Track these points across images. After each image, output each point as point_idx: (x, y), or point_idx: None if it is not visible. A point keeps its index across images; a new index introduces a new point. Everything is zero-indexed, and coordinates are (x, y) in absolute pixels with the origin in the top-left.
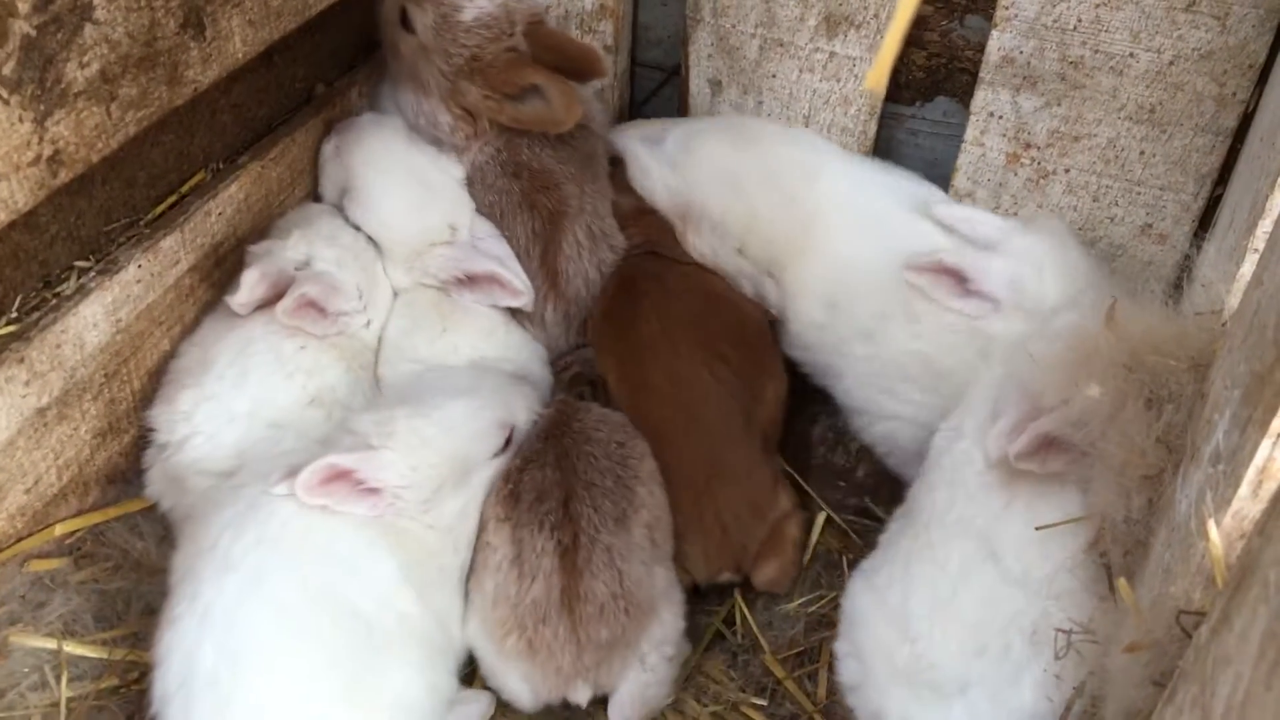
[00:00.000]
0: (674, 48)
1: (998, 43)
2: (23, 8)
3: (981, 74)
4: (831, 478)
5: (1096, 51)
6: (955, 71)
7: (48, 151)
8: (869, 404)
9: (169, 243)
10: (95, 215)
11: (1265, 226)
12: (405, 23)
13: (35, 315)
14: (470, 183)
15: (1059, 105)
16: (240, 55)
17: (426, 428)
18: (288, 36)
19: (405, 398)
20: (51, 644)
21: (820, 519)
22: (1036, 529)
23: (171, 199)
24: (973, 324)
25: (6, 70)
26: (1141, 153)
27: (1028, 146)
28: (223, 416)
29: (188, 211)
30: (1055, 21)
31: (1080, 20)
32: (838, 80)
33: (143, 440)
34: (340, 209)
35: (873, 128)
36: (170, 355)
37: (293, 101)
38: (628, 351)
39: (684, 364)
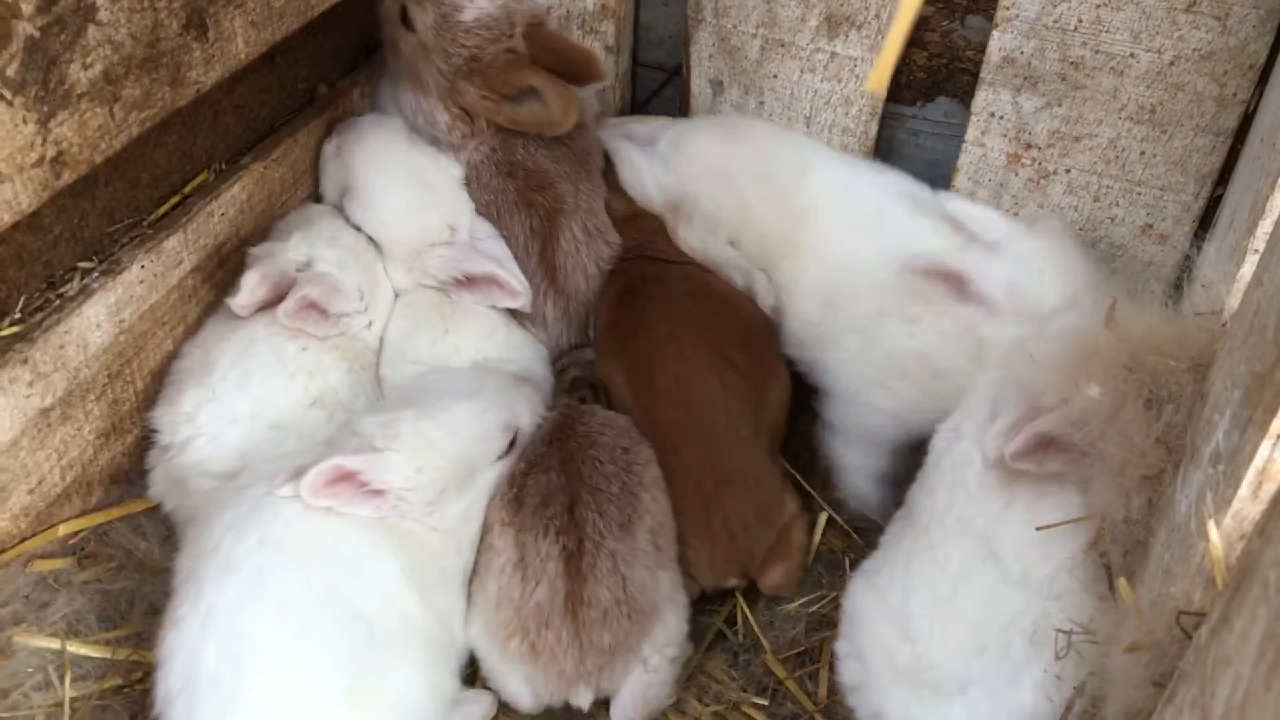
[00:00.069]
0: (675, 48)
1: (999, 43)
2: (26, 9)
3: (982, 74)
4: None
5: (1097, 52)
6: (956, 72)
7: (51, 153)
8: (858, 395)
9: (172, 243)
10: (98, 216)
11: (1265, 227)
12: (406, 21)
13: (39, 316)
14: (467, 182)
15: (1060, 105)
16: (243, 56)
17: (432, 430)
18: (290, 37)
19: (410, 400)
20: (55, 644)
21: (822, 519)
22: (1037, 529)
23: (174, 200)
24: (969, 326)
25: (10, 72)
26: (1142, 153)
27: (1028, 147)
28: (225, 418)
29: (190, 212)
30: (1056, 22)
31: (1081, 21)
32: (839, 81)
33: (146, 441)
34: (341, 209)
35: (874, 128)
36: (173, 356)
37: (295, 102)
38: (635, 357)
39: (691, 368)
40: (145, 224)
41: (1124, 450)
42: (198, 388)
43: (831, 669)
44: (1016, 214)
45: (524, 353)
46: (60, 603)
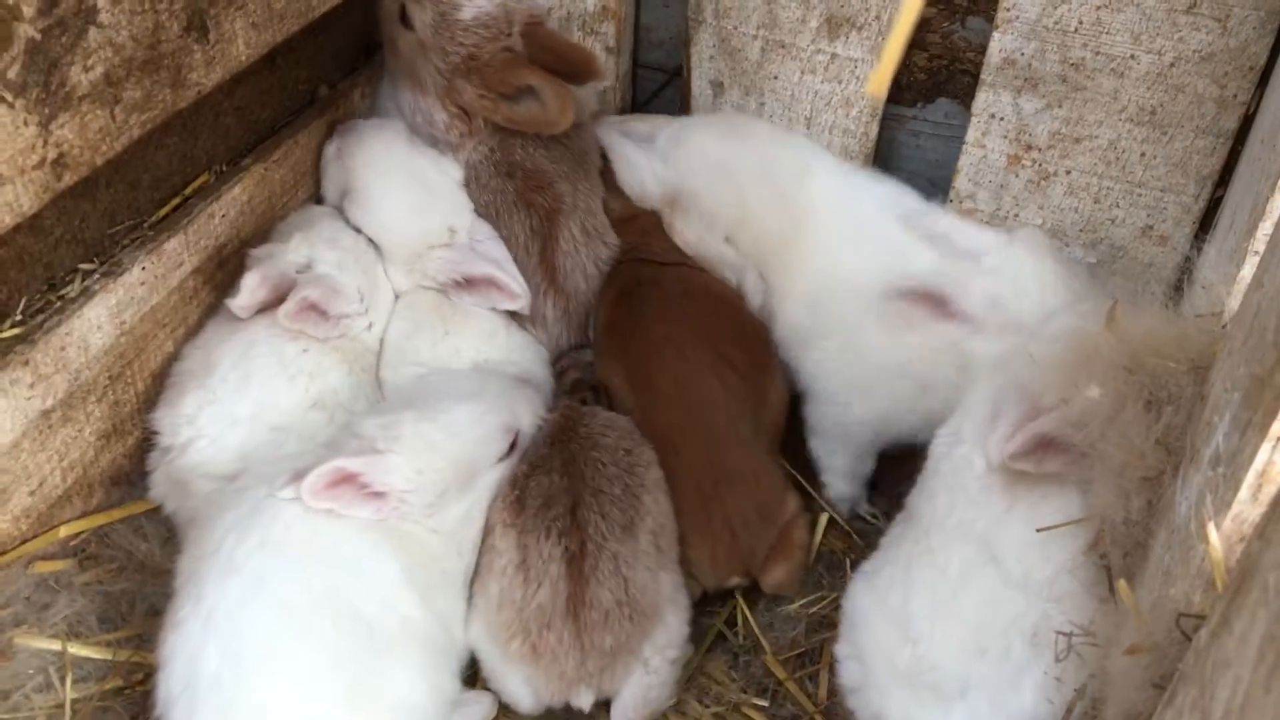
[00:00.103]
0: (676, 49)
1: (999, 44)
2: (27, 11)
3: (983, 76)
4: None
5: (1097, 53)
6: (957, 73)
7: (52, 155)
8: (837, 396)
9: (173, 245)
10: (99, 218)
11: (1266, 229)
12: (405, 19)
13: (40, 318)
14: (466, 183)
15: (1060, 107)
16: (243, 58)
17: (433, 432)
18: (291, 39)
19: (411, 401)
20: (56, 645)
21: (823, 520)
22: (1037, 531)
23: (175, 201)
24: (952, 342)
25: (11, 74)
26: (1142, 154)
27: (1029, 148)
28: (226, 420)
29: (191, 214)
30: (1056, 23)
31: (1081, 22)
32: (839, 82)
33: (147, 442)
34: (341, 211)
35: (874, 129)
36: (174, 357)
37: (296, 103)
38: (634, 359)
39: (690, 368)
40: (146, 226)
41: (1124, 452)
42: (199, 390)
43: (832, 670)
44: (1017, 215)
45: (524, 354)
46: (61, 604)
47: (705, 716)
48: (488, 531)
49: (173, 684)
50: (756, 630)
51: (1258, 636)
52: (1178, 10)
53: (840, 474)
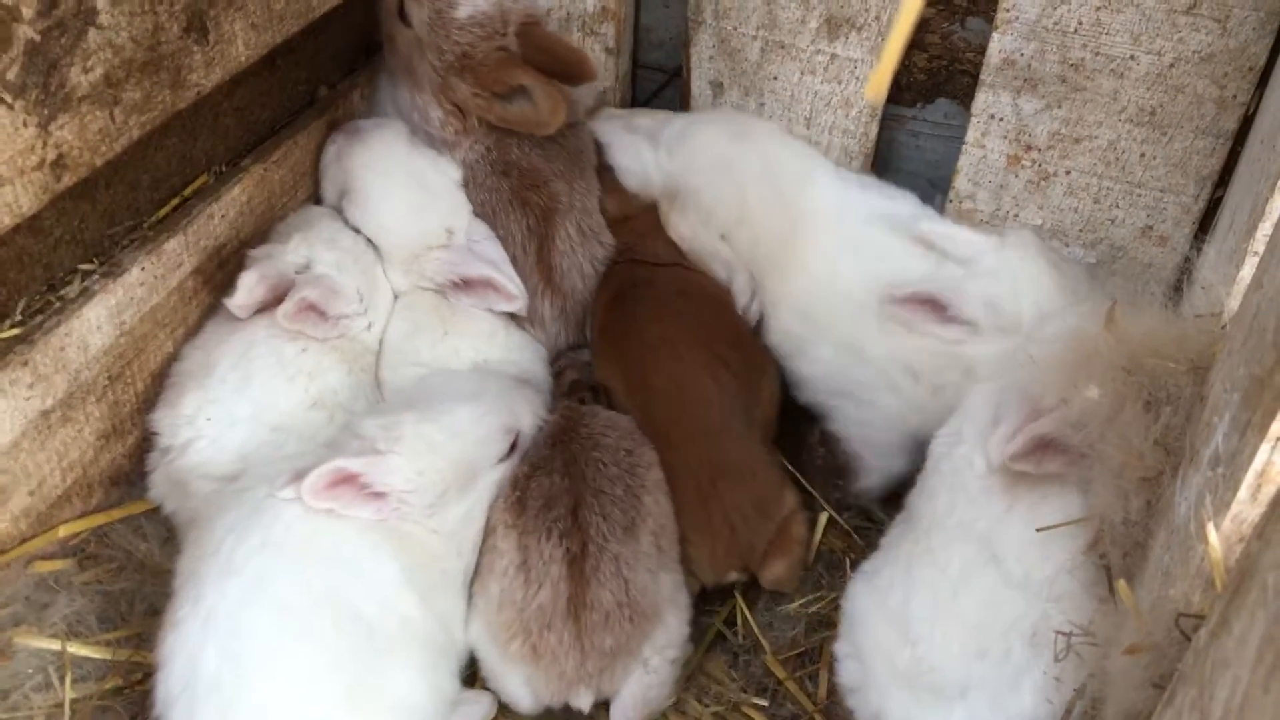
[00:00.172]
0: (676, 50)
1: (998, 45)
2: (27, 13)
3: (982, 76)
4: (832, 478)
5: (1097, 54)
6: (956, 73)
7: (51, 156)
8: (838, 409)
9: (172, 245)
10: (99, 218)
11: (1265, 229)
12: (403, 16)
13: (39, 318)
14: (464, 183)
15: (1060, 107)
16: (243, 59)
17: (433, 433)
18: (290, 39)
19: (411, 402)
20: (55, 645)
21: (823, 519)
22: (1037, 530)
23: (174, 202)
24: (953, 348)
25: (11, 75)
26: (1142, 155)
27: (1028, 148)
28: (225, 420)
29: (191, 214)
30: (1056, 24)
31: (1081, 23)
32: (839, 82)
33: (146, 442)
34: (340, 211)
35: (874, 130)
36: (173, 358)
37: (295, 104)
38: (630, 360)
39: (685, 368)
40: (145, 226)
41: (1123, 452)
42: (198, 390)
43: (831, 670)
44: (1017, 215)
45: (524, 354)
46: (60, 604)
47: (705, 716)
48: (489, 532)
49: (172, 684)
50: (756, 629)
51: (1257, 637)
52: (1177, 11)
53: (872, 472)
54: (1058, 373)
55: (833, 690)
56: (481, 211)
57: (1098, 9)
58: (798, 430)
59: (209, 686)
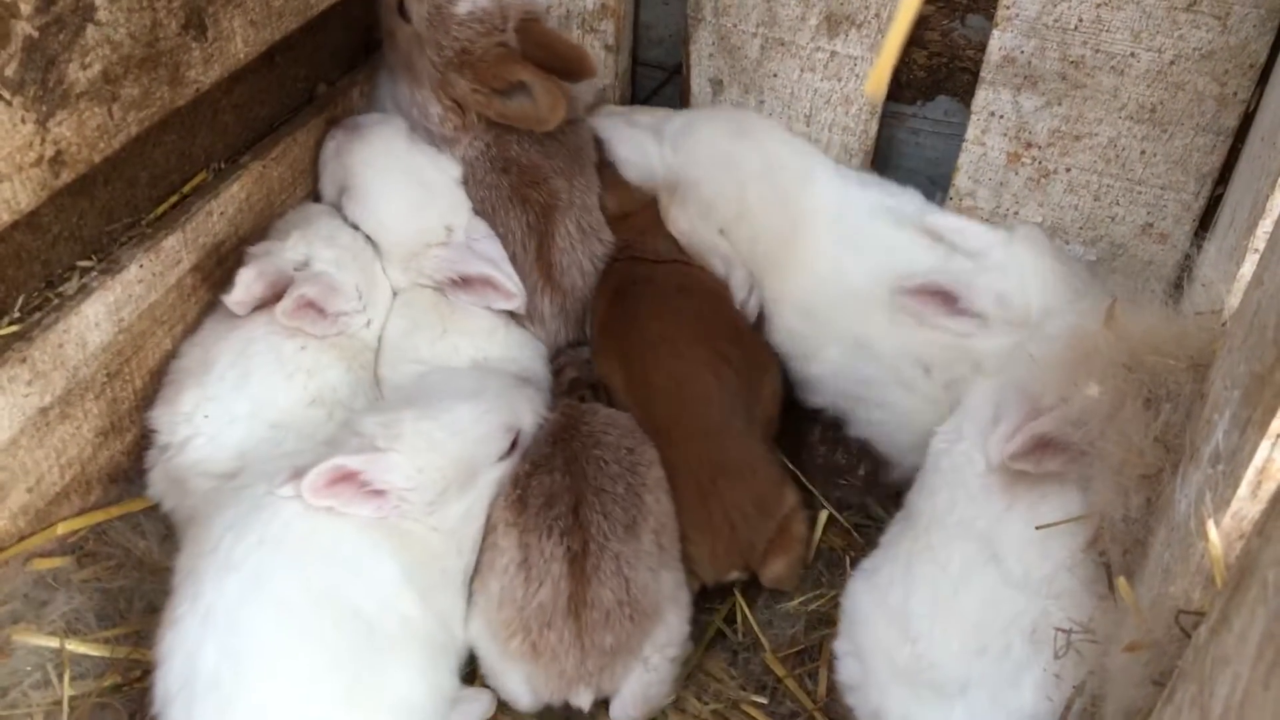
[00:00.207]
0: (675, 47)
1: (999, 42)
2: (25, 9)
3: (982, 73)
4: (832, 476)
5: (1097, 51)
6: (956, 71)
7: (50, 152)
8: (853, 413)
9: (171, 242)
10: (97, 215)
11: (1266, 226)
12: (402, 12)
13: (38, 315)
14: (464, 180)
15: (1060, 105)
16: (242, 55)
17: (434, 431)
18: (289, 36)
19: (411, 400)
20: (54, 642)
21: (823, 517)
22: (1037, 528)
23: (173, 199)
24: (960, 340)
25: (9, 71)
26: (1142, 152)
27: (1029, 146)
28: (224, 417)
29: (189, 211)
30: (1056, 21)
31: (1081, 20)
32: (839, 80)
33: (145, 440)
34: (339, 208)
35: (874, 127)
36: (172, 355)
37: (294, 101)
38: (631, 357)
39: (686, 365)
40: (144, 223)
41: (1123, 449)
42: (196, 387)
43: (831, 668)
44: (1017, 213)
45: (524, 351)
46: (59, 601)
47: (704, 713)
48: (490, 529)
49: (170, 682)
50: (756, 627)
51: (1257, 633)
52: (1178, 8)
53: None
54: (1058, 370)
55: (832, 688)
56: (481, 208)
57: (1098, 6)
58: (799, 428)
59: (208, 684)
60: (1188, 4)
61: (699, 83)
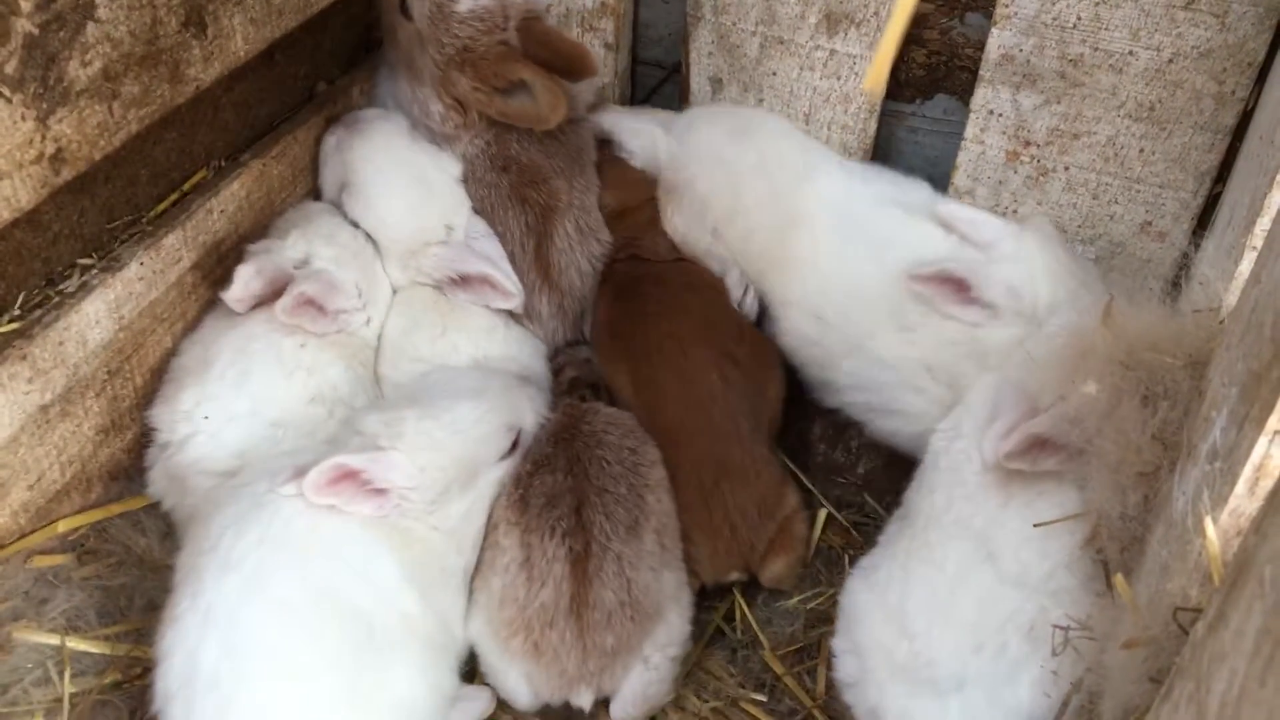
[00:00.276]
0: (675, 45)
1: (997, 40)
2: (25, 6)
3: (981, 72)
4: (832, 474)
5: (1096, 49)
6: (955, 69)
7: (50, 149)
8: (867, 416)
9: (171, 240)
10: (98, 213)
11: (1264, 224)
12: (404, 9)
13: (38, 313)
14: (463, 178)
15: (1059, 103)
16: (242, 53)
17: (435, 430)
18: (289, 34)
19: (413, 398)
20: (54, 639)
21: (822, 516)
22: (1034, 526)
23: (174, 196)
24: (971, 331)
25: (9, 69)
26: (1141, 150)
27: (1027, 144)
28: (224, 415)
29: (190, 209)
30: (1055, 19)
31: (1080, 18)
32: (838, 78)
33: (145, 438)
34: (339, 205)
35: (873, 125)
36: (172, 353)
37: (294, 99)
38: (637, 357)
39: (692, 365)
40: (144, 221)
41: (1120, 447)
42: (196, 385)
43: (829, 665)
44: (1015, 211)
45: (523, 350)
46: (60, 599)
47: (704, 711)
48: (491, 528)
49: (170, 680)
50: (755, 625)
51: (1253, 630)
52: (1176, 6)
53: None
54: (1055, 368)
55: (831, 685)
56: (480, 207)
57: (1096, 4)
58: (799, 426)
59: (208, 682)
60: (1186, 2)
61: (698, 81)
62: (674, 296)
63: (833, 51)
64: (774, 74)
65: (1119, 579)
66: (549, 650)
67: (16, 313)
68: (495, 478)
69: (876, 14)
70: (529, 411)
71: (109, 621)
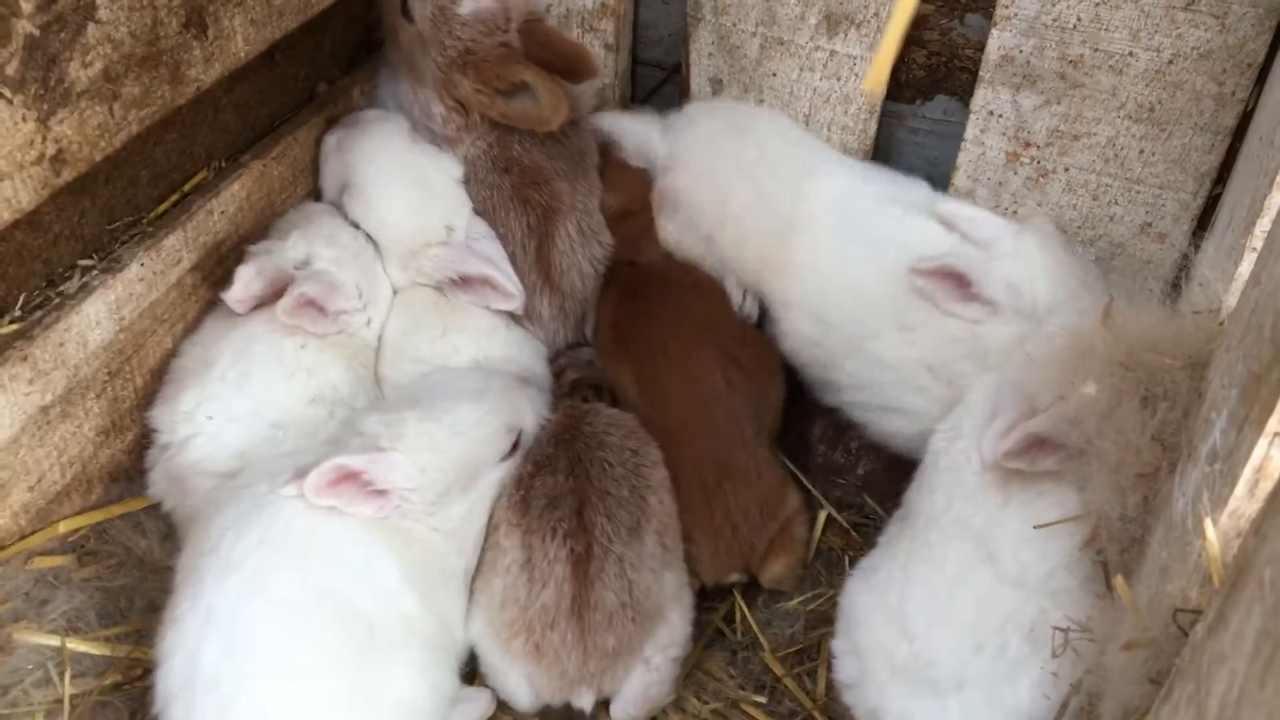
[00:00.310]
0: (675, 46)
1: (997, 41)
2: (26, 7)
3: (981, 73)
4: (832, 476)
5: (1096, 50)
6: (955, 70)
7: (51, 150)
8: (869, 417)
9: (171, 241)
10: (98, 214)
11: (1264, 225)
12: (405, 11)
13: (39, 314)
14: (465, 179)
15: (1059, 104)
16: (242, 54)
17: (436, 431)
18: (290, 35)
19: (414, 399)
20: (55, 641)
21: (822, 517)
22: (1034, 528)
23: (174, 197)
24: (972, 329)
25: (10, 70)
26: (1141, 151)
27: (1027, 145)
28: (224, 416)
29: (190, 210)
30: (1055, 20)
31: (1080, 19)
32: (838, 79)
33: (145, 439)
34: (340, 205)
35: (873, 126)
36: (172, 354)
37: (295, 100)
38: (641, 358)
39: (696, 366)
40: (145, 222)
41: (1120, 448)
42: (197, 386)
43: (829, 666)
44: (1015, 212)
45: (524, 351)
46: (60, 600)
47: (704, 713)
48: (493, 529)
49: (171, 681)
50: (755, 627)
51: (1253, 631)
52: (1176, 7)
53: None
54: (1055, 369)
55: (831, 687)
56: (482, 209)
57: (1096, 5)
58: (799, 427)
59: (208, 683)
60: (1186, 3)
61: (698, 82)
62: (678, 298)
63: (833, 52)
64: (774, 75)
65: (1119, 580)
66: (550, 651)
67: (17, 314)
68: (496, 479)
69: (876, 15)
70: (529, 413)
71: (109, 623)
